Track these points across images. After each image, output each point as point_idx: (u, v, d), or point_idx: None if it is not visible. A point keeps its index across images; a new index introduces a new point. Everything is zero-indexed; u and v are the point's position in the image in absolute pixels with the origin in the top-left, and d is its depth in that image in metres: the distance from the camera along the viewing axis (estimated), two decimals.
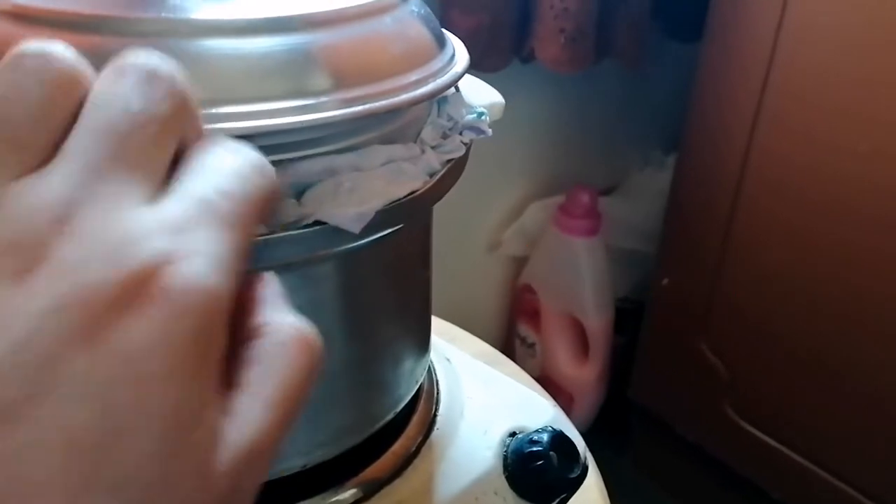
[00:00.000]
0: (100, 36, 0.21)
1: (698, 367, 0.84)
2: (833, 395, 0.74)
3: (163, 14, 0.21)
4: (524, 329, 0.98)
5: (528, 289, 0.95)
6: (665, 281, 0.86)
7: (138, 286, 0.12)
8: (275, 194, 0.15)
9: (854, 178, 0.67)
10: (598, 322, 0.92)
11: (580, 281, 0.90)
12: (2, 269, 0.12)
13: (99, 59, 0.20)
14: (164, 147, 0.14)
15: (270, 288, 0.16)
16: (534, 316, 0.95)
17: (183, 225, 0.13)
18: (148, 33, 0.21)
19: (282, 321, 0.15)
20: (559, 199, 0.92)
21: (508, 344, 1.01)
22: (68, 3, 0.21)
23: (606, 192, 0.99)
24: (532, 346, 0.97)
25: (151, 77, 0.14)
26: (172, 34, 0.21)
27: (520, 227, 0.94)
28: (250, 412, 0.14)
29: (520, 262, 0.97)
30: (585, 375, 0.94)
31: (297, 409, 0.15)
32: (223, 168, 0.14)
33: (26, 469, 0.11)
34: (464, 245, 0.91)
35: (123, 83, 0.14)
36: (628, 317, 0.96)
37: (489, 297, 0.99)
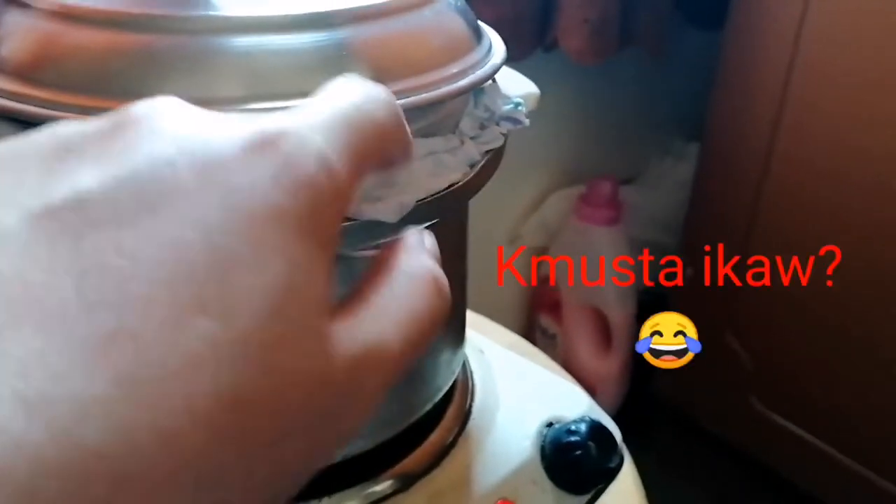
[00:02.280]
0: (143, 34, 0.21)
1: (723, 358, 0.84)
2: (859, 383, 0.73)
3: (205, 11, 0.21)
4: (545, 320, 0.98)
5: (549, 280, 0.95)
6: (689, 271, 0.86)
7: (263, 139, 0.12)
8: (396, 130, 0.15)
9: (883, 161, 0.66)
10: (620, 314, 0.91)
11: (602, 272, 0.90)
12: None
13: (143, 57, 0.21)
14: None
15: (416, 236, 0.16)
16: (555, 307, 0.95)
17: (311, 118, 0.14)
18: (191, 31, 0.21)
19: (419, 260, 0.15)
20: (580, 189, 0.92)
21: (529, 335, 1.01)
22: (112, 3, 0.22)
23: (627, 181, 0.98)
24: (553, 337, 0.97)
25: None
26: (216, 31, 0.21)
27: (540, 218, 0.93)
28: (382, 319, 0.14)
29: (540, 253, 0.97)
30: (607, 367, 0.94)
31: (420, 341, 0.14)
32: (350, 87, 0.15)
33: (128, 279, 0.11)
34: (484, 236, 0.91)
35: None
36: (651, 308, 0.95)
37: (510, 289, 0.99)
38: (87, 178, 0.12)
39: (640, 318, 0.94)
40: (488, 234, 0.91)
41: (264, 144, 0.12)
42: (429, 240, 0.16)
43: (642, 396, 0.96)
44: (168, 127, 0.12)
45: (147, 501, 0.10)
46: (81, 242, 0.11)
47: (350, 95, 0.15)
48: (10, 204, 0.11)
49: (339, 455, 0.24)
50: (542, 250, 0.96)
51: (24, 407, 0.09)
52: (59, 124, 0.13)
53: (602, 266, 0.90)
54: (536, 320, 0.99)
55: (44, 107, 0.21)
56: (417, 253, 0.16)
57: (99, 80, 0.21)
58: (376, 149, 0.15)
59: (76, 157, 0.12)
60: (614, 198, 0.89)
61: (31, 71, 0.21)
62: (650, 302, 0.96)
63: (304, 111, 0.14)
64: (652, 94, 0.97)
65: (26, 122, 0.21)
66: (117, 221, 0.11)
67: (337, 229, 0.13)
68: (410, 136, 0.16)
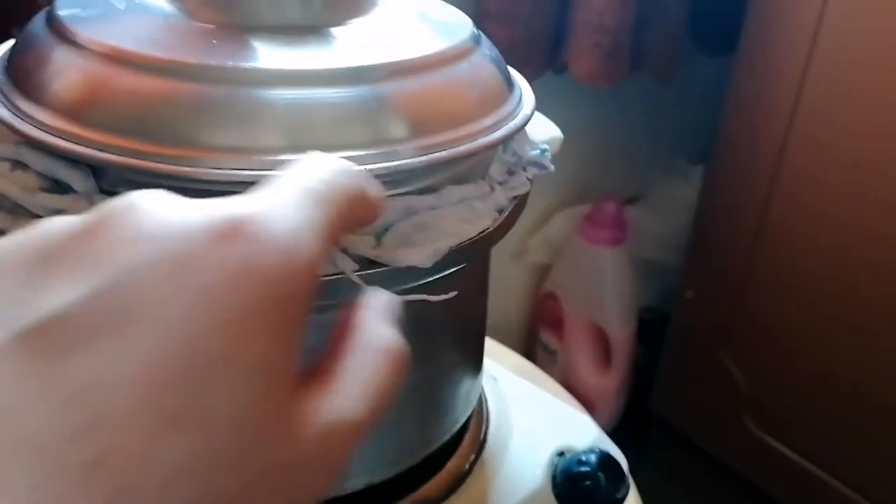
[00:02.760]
0: (191, 83, 0.22)
1: (720, 380, 0.85)
2: (855, 409, 0.74)
3: (252, 63, 0.22)
4: (546, 336, 0.99)
5: (552, 296, 0.96)
6: (690, 293, 0.87)
7: (233, 230, 0.13)
8: (364, 195, 0.16)
9: (883, 196, 0.67)
10: (620, 331, 0.93)
11: (604, 290, 0.91)
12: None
13: (191, 105, 0.22)
14: None
15: (381, 301, 0.17)
16: (556, 324, 0.96)
17: (279, 198, 0.14)
18: (238, 82, 0.22)
19: (380, 330, 0.16)
20: (585, 208, 0.93)
21: (530, 351, 1.02)
22: (160, 49, 0.22)
23: (631, 201, 0.99)
24: (554, 353, 0.98)
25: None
26: (261, 83, 0.22)
27: (545, 236, 0.95)
28: (345, 393, 0.15)
29: (544, 270, 0.98)
30: (606, 384, 0.95)
31: (379, 413, 0.15)
32: (315, 164, 0.16)
33: (109, 400, 0.11)
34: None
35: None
36: (650, 327, 0.97)
37: (512, 304, 1.00)
38: (66, 293, 0.12)
39: (640, 336, 0.95)
40: (494, 249, 0.92)
41: (235, 236, 0.13)
42: (391, 303, 0.17)
43: (639, 414, 0.97)
44: (140, 229, 0.13)
45: None
46: (64, 364, 0.11)
47: (316, 171, 0.15)
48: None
49: None
50: (546, 267, 0.97)
51: None
52: (41, 224, 0.13)
53: (604, 284, 0.91)
54: (537, 336, 1.00)
55: (91, 147, 0.21)
56: (379, 323, 0.17)
57: (146, 125, 0.21)
58: (345, 217, 0.16)
59: (55, 266, 0.12)
60: (619, 218, 0.90)
61: (79, 111, 0.22)
62: (651, 321, 0.98)
63: (273, 191, 0.14)
64: (658, 116, 0.99)
65: (74, 160, 0.22)
66: (95, 337, 0.12)
67: (306, 308, 0.14)
68: (379, 199, 0.17)
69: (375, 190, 0.17)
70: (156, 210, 0.13)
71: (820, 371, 0.76)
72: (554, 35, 0.73)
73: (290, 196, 0.14)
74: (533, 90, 0.28)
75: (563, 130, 0.30)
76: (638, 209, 0.98)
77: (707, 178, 0.85)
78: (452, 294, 0.23)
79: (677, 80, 0.85)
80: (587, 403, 0.97)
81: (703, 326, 0.86)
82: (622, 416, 0.98)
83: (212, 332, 0.12)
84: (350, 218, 0.16)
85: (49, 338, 0.12)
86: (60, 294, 0.12)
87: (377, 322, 0.17)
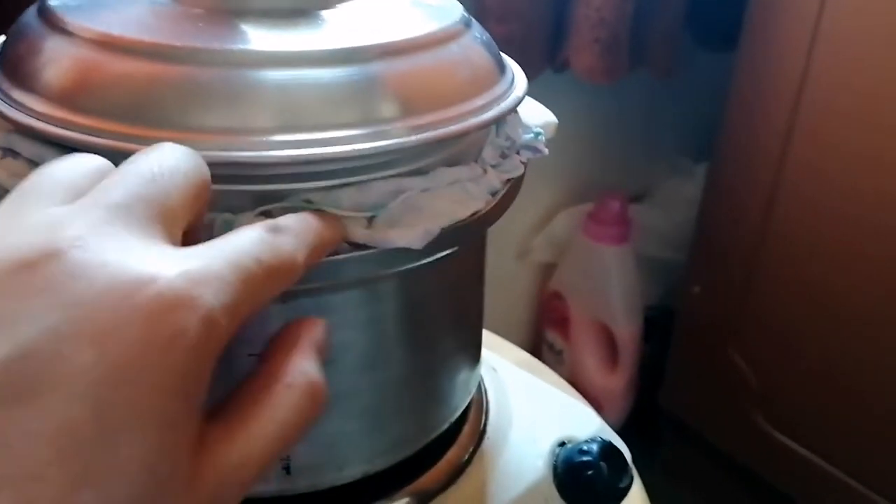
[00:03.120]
0: (183, 66, 0.22)
1: (728, 376, 0.84)
2: (864, 404, 0.73)
3: (237, 46, 0.22)
4: (552, 336, 0.98)
5: (557, 296, 0.96)
6: (696, 289, 0.86)
7: (158, 303, 0.14)
8: (283, 269, 0.17)
9: (887, 190, 0.67)
10: (626, 330, 0.92)
11: (609, 288, 0.91)
12: (10, 270, 0.13)
13: (183, 88, 0.22)
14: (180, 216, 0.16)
15: (309, 333, 0.18)
16: (562, 323, 0.96)
17: (206, 268, 0.15)
18: (229, 64, 0.22)
19: (300, 366, 0.17)
20: (588, 206, 0.93)
21: (536, 350, 1.02)
22: (149, 33, 0.22)
23: (635, 199, 0.99)
24: (560, 353, 0.98)
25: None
26: (252, 65, 0.22)
27: (549, 235, 0.94)
28: (249, 436, 0.15)
29: (548, 269, 0.98)
30: (614, 383, 0.94)
31: (286, 447, 0.16)
32: (251, 237, 0.16)
33: (24, 457, 0.12)
34: (493, 251, 0.91)
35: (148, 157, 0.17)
36: (657, 325, 0.96)
37: (518, 304, 1.00)
38: None
39: (646, 334, 0.95)
40: (498, 249, 0.92)
41: (158, 311, 0.14)
42: (318, 330, 0.18)
43: (647, 411, 0.96)
44: (60, 285, 0.13)
45: None
46: None
47: (247, 244, 0.16)
48: None
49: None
50: (551, 266, 0.97)
51: None
52: None
53: (610, 283, 0.91)
54: (543, 335, 1.00)
55: (84, 133, 0.21)
56: (301, 358, 0.17)
57: (139, 109, 0.21)
58: (265, 293, 0.16)
59: None
60: (623, 215, 0.90)
61: (72, 97, 0.22)
62: (657, 318, 0.97)
63: (203, 258, 0.15)
64: (660, 113, 0.98)
65: (67, 147, 0.22)
66: (14, 400, 0.12)
67: (209, 373, 0.15)
68: (300, 269, 0.17)
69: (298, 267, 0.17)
70: (83, 265, 0.14)
71: (828, 365, 0.75)
72: (553, 32, 0.73)
73: (215, 268, 0.15)
74: (534, 89, 0.28)
75: (565, 129, 0.30)
76: (642, 207, 0.98)
77: (710, 175, 0.85)
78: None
79: (679, 77, 0.84)
80: (595, 402, 0.95)
81: (711, 322, 0.85)
82: (630, 414, 0.97)
83: (124, 401, 0.13)
84: (267, 294, 0.16)
85: None
86: None
87: (294, 356, 0.17)
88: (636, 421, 0.98)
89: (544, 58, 0.74)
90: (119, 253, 0.14)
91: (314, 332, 0.18)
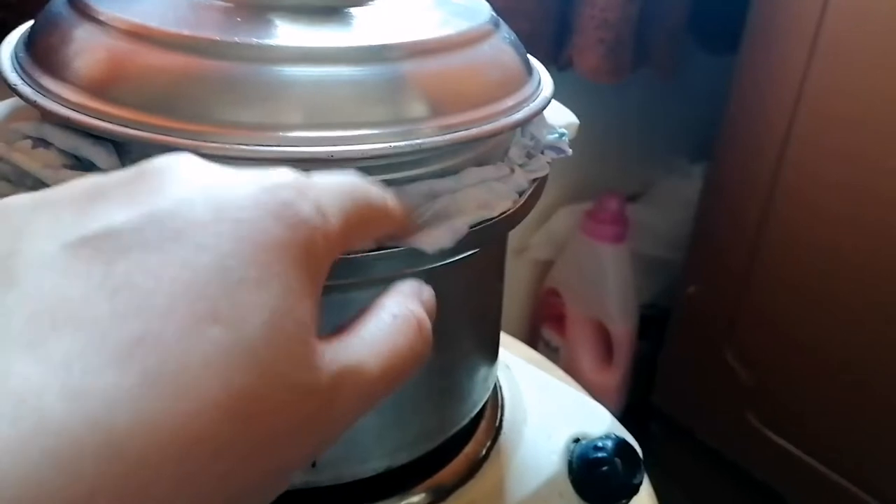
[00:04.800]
0: (216, 60, 0.22)
1: (722, 375, 0.85)
2: (858, 405, 0.74)
3: (271, 41, 0.22)
4: (548, 333, 0.99)
5: (554, 293, 0.96)
6: (691, 289, 0.87)
7: (270, 186, 0.15)
8: (388, 213, 0.18)
9: (884, 192, 0.67)
10: (622, 328, 0.93)
11: (606, 286, 0.91)
12: None
13: (215, 82, 0.22)
14: None
15: (412, 284, 0.18)
16: (558, 320, 0.96)
17: (314, 181, 0.16)
18: (257, 59, 0.22)
19: (408, 304, 0.17)
20: (587, 204, 0.93)
21: (532, 346, 1.02)
22: (183, 26, 0.22)
23: (633, 198, 0.99)
24: (556, 349, 0.98)
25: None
26: (284, 61, 0.22)
27: (547, 232, 0.95)
28: (362, 343, 0.16)
29: (545, 267, 0.98)
30: (608, 380, 0.95)
31: (398, 374, 0.16)
32: (352, 176, 0.18)
33: (153, 293, 0.12)
34: None
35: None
36: (652, 323, 0.97)
37: (514, 300, 1.00)
38: (116, 215, 0.13)
39: (642, 332, 0.96)
40: None
41: (271, 189, 0.15)
42: (426, 291, 0.19)
43: (641, 410, 0.97)
44: (186, 175, 0.15)
45: (166, 471, 0.12)
46: (112, 266, 0.13)
47: (349, 177, 0.17)
48: (50, 237, 0.13)
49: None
50: (548, 263, 0.97)
51: (66, 398, 0.11)
52: (87, 177, 0.15)
53: (606, 281, 0.91)
54: (539, 332, 1.00)
55: (115, 123, 0.21)
56: (408, 298, 0.18)
57: (169, 101, 0.21)
58: (366, 221, 0.17)
59: (106, 200, 0.14)
60: (621, 214, 0.91)
61: (103, 87, 0.22)
62: (652, 317, 0.98)
63: (309, 176, 0.16)
64: (660, 114, 0.99)
65: (98, 137, 0.22)
66: (143, 248, 0.13)
67: (326, 270, 0.15)
68: (403, 216, 0.19)
69: (396, 211, 0.19)
70: (200, 167, 0.15)
71: (822, 366, 0.76)
72: (557, 31, 0.73)
73: (322, 183, 0.16)
74: None
75: None
76: (640, 206, 0.98)
77: (709, 175, 0.85)
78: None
79: (680, 78, 0.85)
80: None
81: (706, 322, 0.86)
82: (623, 412, 0.98)
83: (247, 256, 0.13)
84: (368, 226, 0.18)
85: (98, 247, 0.13)
86: (110, 217, 0.13)
87: (402, 296, 0.18)
88: (628, 418, 0.98)
89: (548, 56, 0.74)
90: (233, 169, 0.15)
91: (421, 289, 0.19)
